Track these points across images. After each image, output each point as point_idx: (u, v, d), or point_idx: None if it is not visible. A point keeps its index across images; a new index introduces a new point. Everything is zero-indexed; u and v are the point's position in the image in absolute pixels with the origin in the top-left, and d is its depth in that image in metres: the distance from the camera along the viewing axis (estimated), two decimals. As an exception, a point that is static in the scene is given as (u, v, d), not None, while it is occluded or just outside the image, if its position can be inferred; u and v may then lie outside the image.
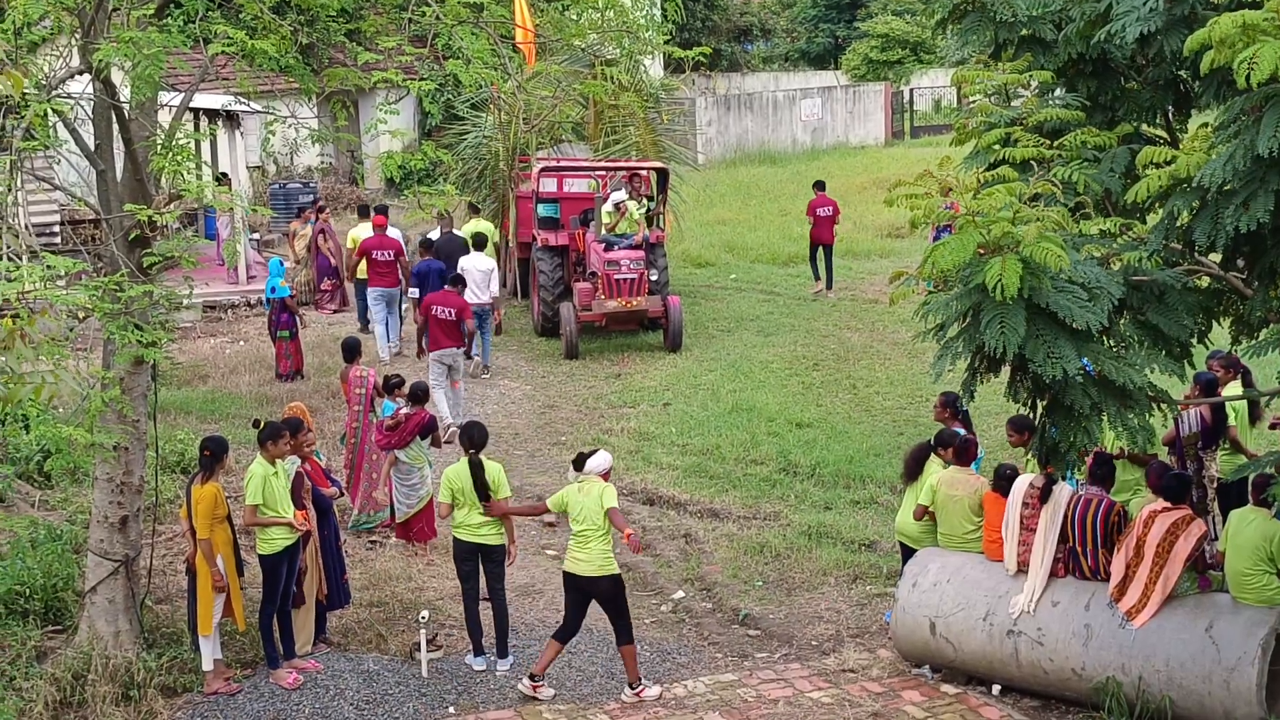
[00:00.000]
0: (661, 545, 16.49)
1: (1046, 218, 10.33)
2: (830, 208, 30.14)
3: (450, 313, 20.84)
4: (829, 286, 30.20)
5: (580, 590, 12.84)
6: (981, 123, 12.45)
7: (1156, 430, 11.40)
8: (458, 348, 20.99)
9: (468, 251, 24.29)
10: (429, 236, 25.46)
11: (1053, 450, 11.07)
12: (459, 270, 23.13)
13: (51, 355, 6.55)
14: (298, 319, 23.42)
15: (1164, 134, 12.82)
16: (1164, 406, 11.37)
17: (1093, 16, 11.86)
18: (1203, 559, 12.11)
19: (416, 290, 23.31)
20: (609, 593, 12.80)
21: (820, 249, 30.17)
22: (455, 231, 25.64)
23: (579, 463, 13.06)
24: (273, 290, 23.35)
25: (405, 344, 24.79)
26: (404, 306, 25.27)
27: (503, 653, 13.37)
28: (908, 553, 13.69)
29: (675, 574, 15.78)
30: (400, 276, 24.89)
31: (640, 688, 12.83)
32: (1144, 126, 12.66)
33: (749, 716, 12.26)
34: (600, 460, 13.02)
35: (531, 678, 12.84)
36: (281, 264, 24.05)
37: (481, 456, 13.32)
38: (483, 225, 26.48)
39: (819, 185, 31.15)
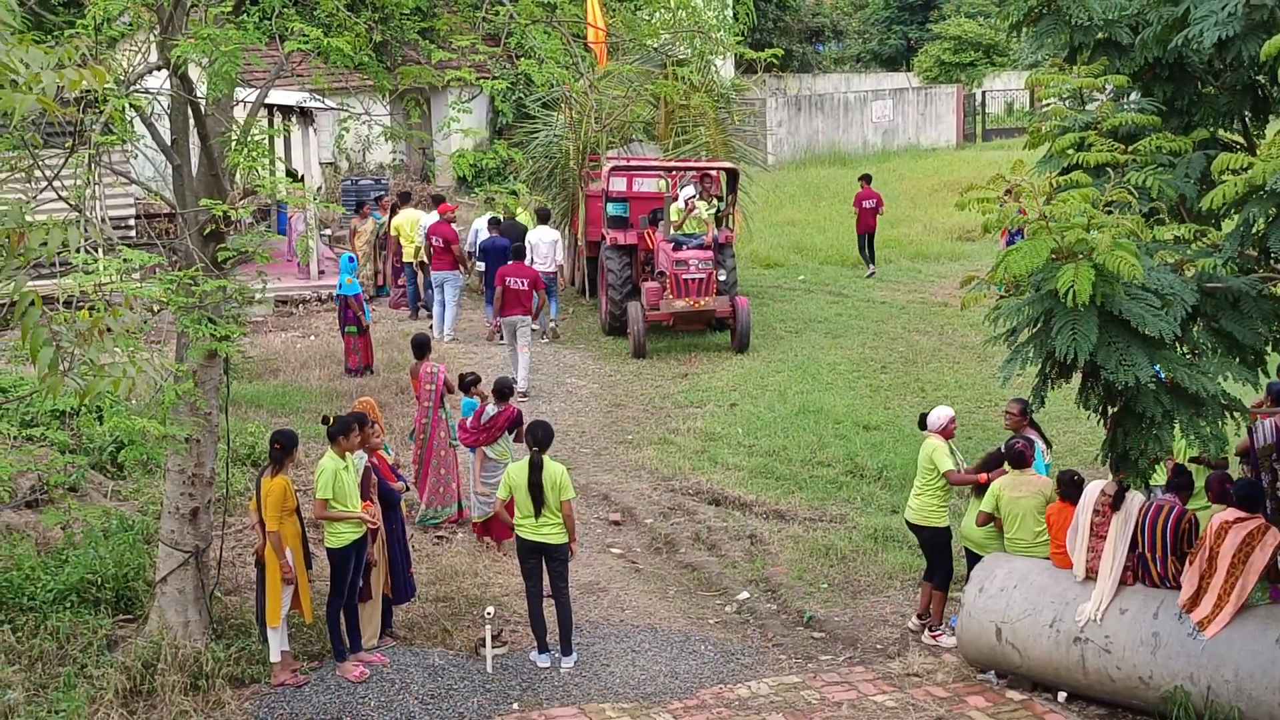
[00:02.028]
0: (727, 546, 16.49)
1: (1120, 225, 10.26)
2: (874, 200, 32.06)
3: (523, 283, 22.85)
4: (871, 262, 32.17)
5: (914, 535, 14.36)
6: (1055, 126, 12.36)
7: (1229, 439, 11.30)
8: (525, 315, 22.88)
9: (523, 235, 26.18)
10: (496, 216, 26.96)
11: (1124, 457, 11.00)
12: (527, 244, 25.73)
13: (127, 348, 6.62)
14: (359, 316, 23.50)
15: (1241, 140, 12.69)
16: (1237, 415, 11.26)
17: (1170, 20, 11.74)
18: (1275, 569, 11.98)
19: (482, 264, 26.15)
20: (929, 541, 14.06)
21: (865, 237, 32.27)
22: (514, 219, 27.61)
23: (922, 422, 14.23)
24: (341, 286, 23.53)
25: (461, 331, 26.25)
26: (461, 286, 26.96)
27: (567, 650, 13.40)
28: (973, 559, 13.64)
29: (740, 575, 15.76)
30: (455, 262, 26.39)
31: (938, 632, 13.80)
32: (1221, 132, 12.54)
33: (812, 719, 12.24)
34: (936, 417, 14.10)
35: (930, 629, 14.00)
36: (352, 260, 24.24)
37: (545, 457, 13.35)
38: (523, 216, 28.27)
39: (866, 179, 32.93)
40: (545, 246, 26.47)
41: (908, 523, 14.33)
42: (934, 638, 13.88)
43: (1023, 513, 13.08)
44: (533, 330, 23.44)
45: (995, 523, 13.39)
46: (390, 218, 29.06)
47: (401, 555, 13.92)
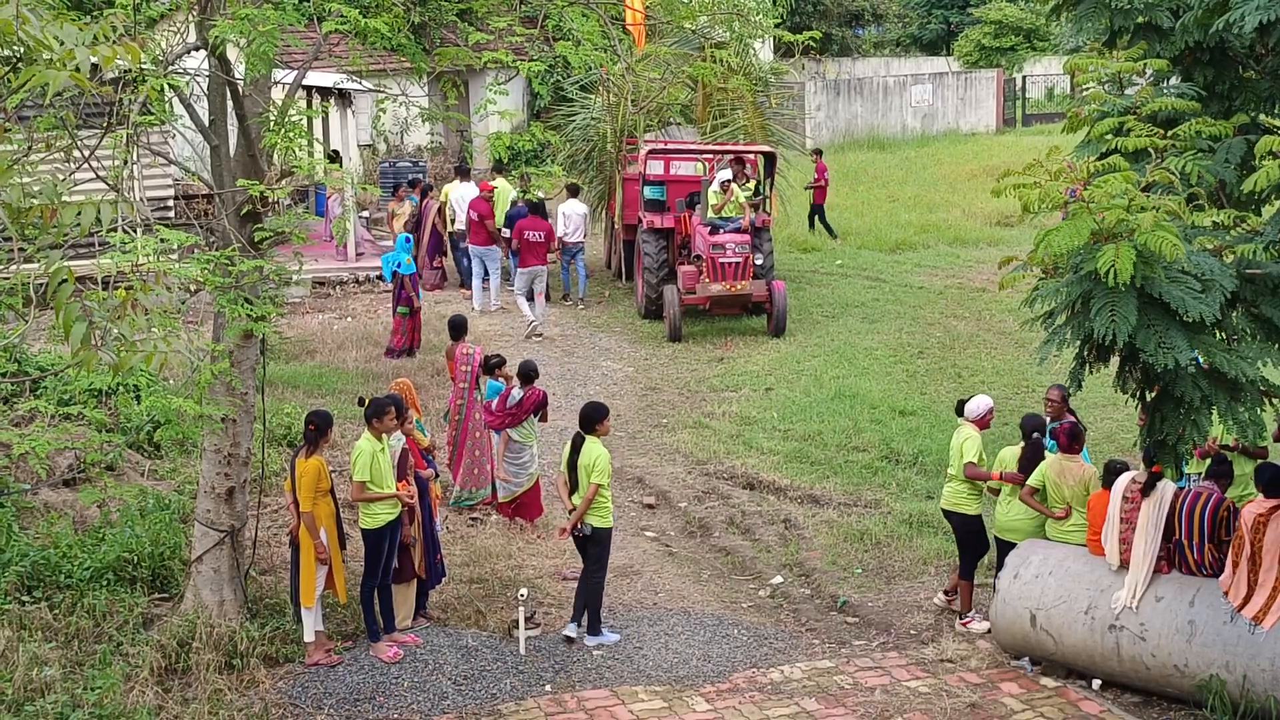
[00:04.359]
0: (761, 530, 16.47)
1: (1162, 206, 10.20)
2: (826, 171, 34.59)
3: (540, 235, 25.48)
4: (831, 231, 34.09)
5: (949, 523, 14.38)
6: (1094, 111, 12.29)
7: (1268, 425, 11.22)
8: (543, 265, 25.50)
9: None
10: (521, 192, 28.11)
11: (1161, 444, 10.94)
12: (560, 215, 27.85)
13: (164, 327, 6.64)
14: (413, 297, 23.63)
15: (1282, 124, 12.60)
16: (1275, 401, 11.18)
17: (1211, 4, 11.65)
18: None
19: (508, 230, 26.99)
20: (958, 528, 14.10)
21: (823, 208, 34.35)
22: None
23: (959, 408, 14.21)
24: (399, 265, 23.63)
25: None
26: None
27: (593, 630, 13.44)
28: (1004, 548, 13.61)
29: (774, 559, 15.75)
30: (491, 238, 27.22)
31: (968, 619, 13.80)
32: (1262, 117, 12.44)
33: (845, 704, 12.22)
34: (974, 405, 14.10)
35: (960, 617, 14.00)
36: (408, 240, 24.90)
37: (592, 438, 13.39)
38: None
39: (818, 153, 34.99)
40: (576, 219, 28.00)
41: (942, 510, 14.33)
42: (964, 624, 13.84)
43: (1064, 498, 13.01)
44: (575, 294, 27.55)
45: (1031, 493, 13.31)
46: (423, 200, 29.30)
47: (429, 541, 13.92)
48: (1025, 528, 13.48)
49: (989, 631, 13.40)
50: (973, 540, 14.04)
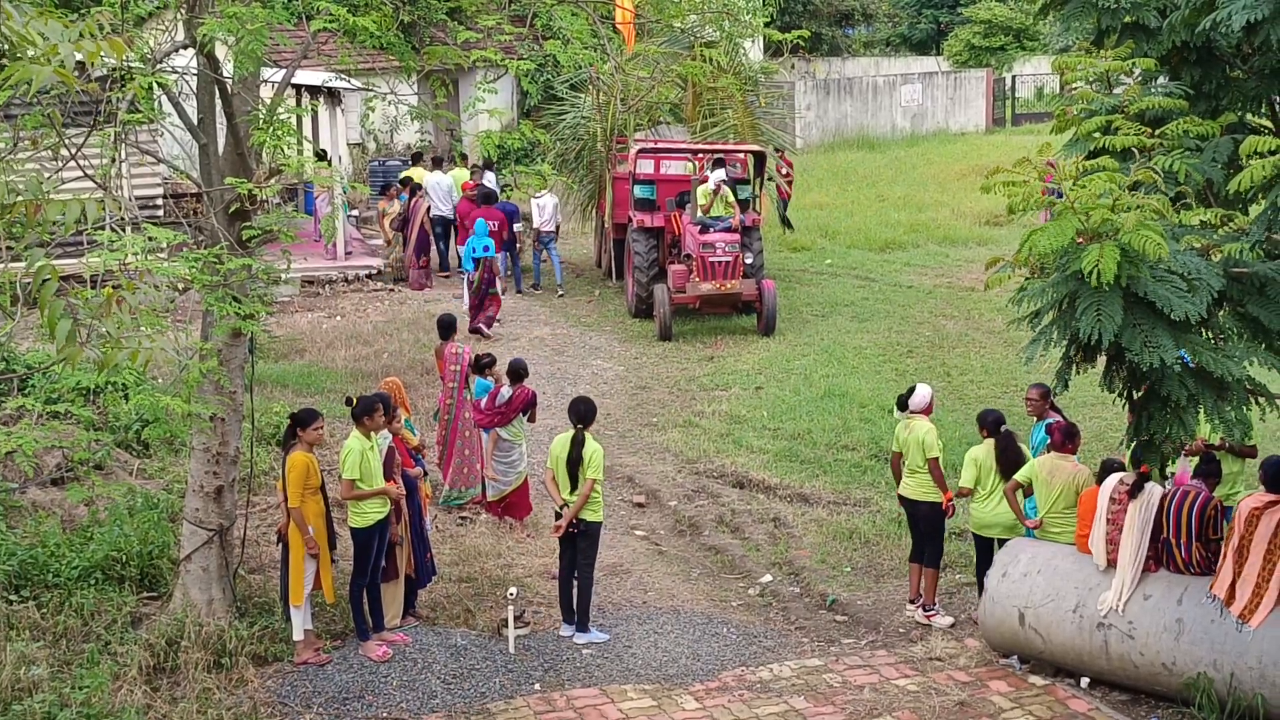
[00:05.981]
0: (750, 529, 16.48)
1: (1147, 205, 10.21)
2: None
3: (494, 224, 26.31)
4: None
5: (907, 511, 14.34)
6: (1082, 110, 12.31)
7: (1254, 424, 11.24)
8: (500, 253, 26.46)
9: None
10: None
11: (1148, 444, 10.95)
12: (533, 205, 29.42)
13: (151, 325, 6.63)
14: (497, 279, 24.96)
15: (1269, 124, 12.62)
16: (1262, 400, 11.20)
17: (1198, 4, 11.68)
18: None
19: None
20: (925, 516, 14.06)
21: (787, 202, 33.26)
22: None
23: (901, 404, 14.29)
24: (486, 250, 24.16)
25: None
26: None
27: (581, 627, 13.44)
28: (981, 544, 13.65)
29: (764, 558, 15.76)
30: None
31: (932, 612, 13.90)
32: (1248, 116, 12.48)
33: (834, 702, 12.22)
34: (918, 397, 14.20)
35: (924, 609, 14.08)
36: (486, 225, 25.80)
37: (587, 434, 13.38)
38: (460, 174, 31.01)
39: (780, 150, 33.76)
40: (549, 208, 29.31)
41: (904, 498, 14.30)
42: (928, 618, 13.90)
43: (1050, 496, 13.01)
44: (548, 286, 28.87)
45: (1025, 492, 13.29)
46: (412, 199, 29.39)
47: (418, 539, 13.91)
48: (1000, 522, 13.52)
49: (952, 626, 13.52)
50: (939, 528, 14.11)
